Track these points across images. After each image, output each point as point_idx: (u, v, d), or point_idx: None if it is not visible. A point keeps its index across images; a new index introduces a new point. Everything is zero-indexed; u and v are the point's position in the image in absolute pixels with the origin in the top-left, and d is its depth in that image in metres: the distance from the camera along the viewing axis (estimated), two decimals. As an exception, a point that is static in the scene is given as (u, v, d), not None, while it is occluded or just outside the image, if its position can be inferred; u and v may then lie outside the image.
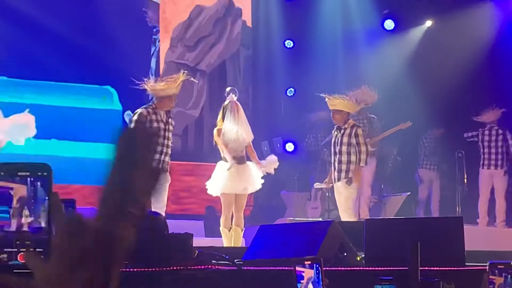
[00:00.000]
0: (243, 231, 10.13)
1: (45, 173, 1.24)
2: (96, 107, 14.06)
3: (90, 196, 13.82)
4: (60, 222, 1.27)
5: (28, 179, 1.23)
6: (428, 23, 16.03)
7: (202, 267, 5.96)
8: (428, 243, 6.44)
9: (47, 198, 1.25)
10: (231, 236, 9.95)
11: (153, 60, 14.77)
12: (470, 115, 13.70)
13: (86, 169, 13.28)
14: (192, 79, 10.33)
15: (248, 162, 10.16)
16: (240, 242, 10.00)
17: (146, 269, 5.80)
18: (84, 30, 13.74)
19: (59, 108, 13.70)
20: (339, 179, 10.80)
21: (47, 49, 13.42)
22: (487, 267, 4.63)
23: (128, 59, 13.66)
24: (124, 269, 5.89)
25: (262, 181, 10.26)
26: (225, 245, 9.87)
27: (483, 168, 13.24)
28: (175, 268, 5.88)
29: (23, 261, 1.24)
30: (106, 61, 13.64)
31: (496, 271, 4.62)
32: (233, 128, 10.03)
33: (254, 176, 10.14)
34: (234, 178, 9.96)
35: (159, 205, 9.36)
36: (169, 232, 6.38)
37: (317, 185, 11.04)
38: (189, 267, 5.94)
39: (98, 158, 13.79)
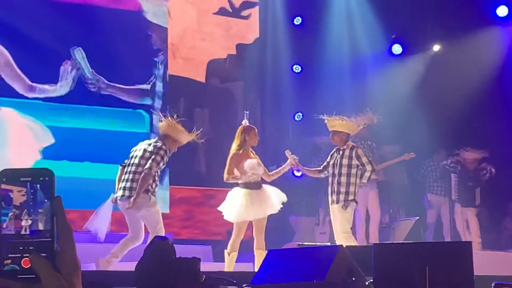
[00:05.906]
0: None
1: (46, 178, 1.27)
2: (129, 130, 14.20)
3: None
4: (63, 226, 1.28)
5: (29, 183, 1.26)
6: (436, 47, 16.04)
7: (210, 291, 5.94)
8: (437, 268, 6.42)
9: (46, 201, 1.26)
10: (231, 260, 9.91)
11: (159, 84, 14.80)
12: (478, 141, 13.67)
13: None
14: (201, 141, 10.31)
15: (264, 186, 10.17)
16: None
17: (154, 294, 5.78)
18: (114, 54, 13.97)
19: (93, 131, 13.86)
20: (337, 202, 10.64)
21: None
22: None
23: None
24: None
25: (278, 204, 10.23)
26: (225, 269, 9.79)
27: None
28: (182, 292, 5.86)
29: (27, 266, 1.25)
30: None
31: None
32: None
33: (269, 200, 10.11)
34: (253, 205, 9.95)
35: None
36: (177, 256, 6.37)
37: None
38: (196, 292, 5.93)
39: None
